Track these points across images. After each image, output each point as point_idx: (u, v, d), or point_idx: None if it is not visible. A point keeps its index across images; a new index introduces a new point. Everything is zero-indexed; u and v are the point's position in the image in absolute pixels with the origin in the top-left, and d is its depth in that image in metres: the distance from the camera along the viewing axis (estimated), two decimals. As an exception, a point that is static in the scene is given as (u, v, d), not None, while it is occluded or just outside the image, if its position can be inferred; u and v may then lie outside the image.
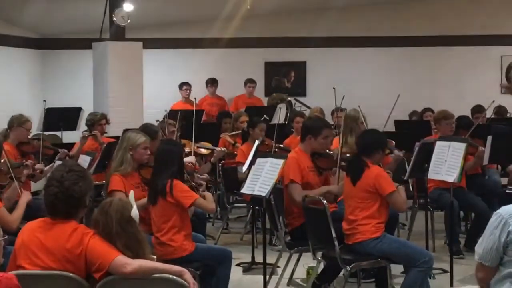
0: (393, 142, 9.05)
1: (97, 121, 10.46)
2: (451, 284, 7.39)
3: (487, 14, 16.08)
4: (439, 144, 7.74)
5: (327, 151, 7.84)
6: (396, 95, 11.29)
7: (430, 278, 7.12)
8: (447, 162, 7.48)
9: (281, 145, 10.21)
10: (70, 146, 10.22)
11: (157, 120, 10.75)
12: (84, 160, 8.48)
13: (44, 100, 11.18)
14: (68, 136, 11.99)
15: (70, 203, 4.57)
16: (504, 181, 9.71)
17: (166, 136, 9.24)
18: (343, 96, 10.45)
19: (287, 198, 7.58)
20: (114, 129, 11.10)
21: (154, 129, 8.25)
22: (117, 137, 9.45)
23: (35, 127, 10.50)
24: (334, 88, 10.96)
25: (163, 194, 6.48)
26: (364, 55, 16.57)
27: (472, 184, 9.36)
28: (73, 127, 11.77)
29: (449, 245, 8.37)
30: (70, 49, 16.09)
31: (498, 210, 4.34)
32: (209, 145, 10.51)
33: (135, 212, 4.62)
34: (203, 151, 10.39)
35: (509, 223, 4.22)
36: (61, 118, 11.57)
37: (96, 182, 7.53)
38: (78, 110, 11.85)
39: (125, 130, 7.95)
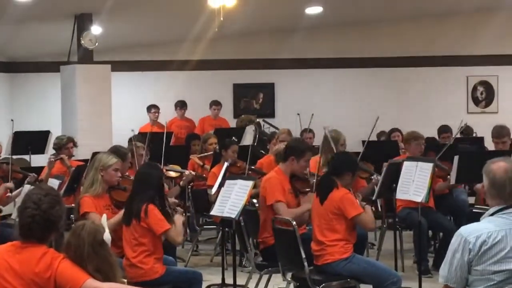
0: (373, 166, 9.12)
1: (64, 145, 10.41)
2: (420, 303, 7.44)
3: (452, 35, 16.25)
4: (406, 164, 7.81)
5: (305, 173, 7.91)
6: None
7: (399, 297, 7.16)
8: (414, 182, 7.55)
9: (253, 167, 10.23)
10: (38, 169, 10.17)
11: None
12: (53, 184, 8.44)
13: (12, 120, 11.12)
14: (37, 160, 11.92)
15: (46, 226, 4.56)
16: (472, 200, 9.78)
17: (134, 158, 9.23)
18: (312, 115, 10.49)
19: (264, 217, 7.59)
20: (82, 152, 11.05)
21: (124, 151, 8.29)
22: (85, 160, 9.44)
23: (4, 151, 10.44)
24: (298, 114, 11.05)
25: (138, 217, 6.49)
26: (332, 76, 16.69)
27: (440, 204, 9.43)
28: (41, 150, 11.71)
29: (417, 264, 8.42)
30: (38, 72, 16.05)
31: (458, 231, 4.41)
32: (178, 168, 10.51)
33: (107, 236, 4.62)
34: (172, 174, 10.40)
35: (469, 241, 4.28)
36: (29, 141, 11.51)
37: (66, 205, 7.52)
38: (46, 133, 11.80)
39: (94, 153, 7.95)
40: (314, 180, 7.80)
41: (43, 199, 4.57)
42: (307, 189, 7.80)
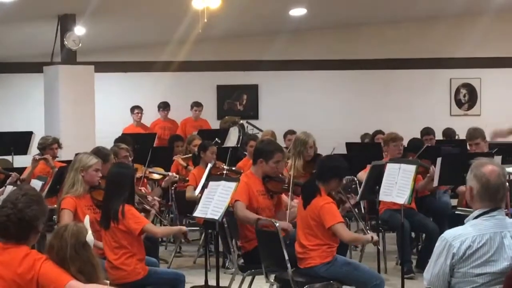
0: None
1: (49, 145, 10.38)
2: (403, 305, 7.46)
3: (436, 38, 16.31)
4: (389, 166, 7.83)
5: (280, 175, 7.87)
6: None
7: (382, 299, 7.17)
8: (397, 184, 7.57)
9: (233, 168, 10.22)
10: (21, 170, 10.12)
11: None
12: (35, 185, 8.42)
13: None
14: (19, 160, 11.88)
15: (21, 225, 4.54)
16: (454, 202, 9.81)
17: (118, 160, 9.21)
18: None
19: (241, 222, 7.59)
20: (65, 153, 11.02)
21: (106, 152, 8.27)
22: (68, 161, 9.39)
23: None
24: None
25: (116, 219, 6.48)
26: (316, 78, 16.72)
27: (422, 205, 9.47)
28: (24, 151, 11.67)
29: (401, 265, 8.44)
30: (21, 72, 16.01)
31: (442, 235, 4.43)
32: (161, 170, 10.49)
33: (90, 237, 4.61)
34: (155, 176, 10.38)
35: (453, 246, 4.29)
36: (12, 142, 11.49)
37: (48, 206, 7.50)
38: (29, 134, 11.77)
39: (77, 154, 7.93)
40: (291, 179, 7.73)
41: (20, 199, 4.56)
42: (282, 190, 7.77)
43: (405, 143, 10.17)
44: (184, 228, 6.97)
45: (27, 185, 8.02)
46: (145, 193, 8.11)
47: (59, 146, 10.61)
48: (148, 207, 7.11)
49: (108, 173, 7.01)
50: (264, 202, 7.62)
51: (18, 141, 11.65)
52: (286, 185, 7.76)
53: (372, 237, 6.94)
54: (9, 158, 12.13)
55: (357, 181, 9.30)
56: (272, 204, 7.70)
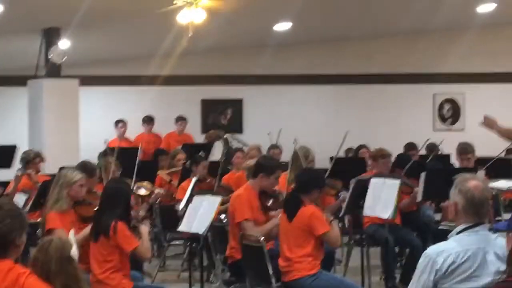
0: (341, 183, 9.13)
1: (31, 160, 10.35)
2: (387, 320, 7.46)
3: (420, 53, 16.39)
4: (373, 181, 7.85)
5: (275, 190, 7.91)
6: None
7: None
8: (381, 198, 7.59)
9: (222, 184, 10.21)
10: (4, 184, 10.10)
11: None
12: (20, 199, 8.41)
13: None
14: (3, 174, 11.82)
15: None
16: (438, 217, 9.83)
17: (105, 174, 9.19)
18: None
19: (233, 233, 7.58)
20: (50, 167, 10.99)
21: (92, 166, 8.24)
22: (53, 175, 9.35)
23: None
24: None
25: (106, 234, 6.47)
26: (300, 92, 16.76)
27: (406, 220, 9.47)
28: (7, 164, 11.59)
29: (385, 280, 8.45)
30: (5, 86, 15.96)
31: (426, 251, 4.46)
32: (149, 185, 10.44)
33: (74, 251, 4.60)
34: (142, 192, 10.32)
35: (436, 262, 4.32)
36: (-5, 156, 11.42)
37: (31, 220, 7.49)
38: (12, 147, 11.70)
39: (61, 168, 7.91)
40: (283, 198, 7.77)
41: None
42: (278, 207, 7.78)
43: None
44: (146, 228, 6.87)
45: (3, 199, 7.99)
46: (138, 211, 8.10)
47: (42, 160, 10.59)
48: (139, 221, 7.06)
49: (104, 187, 7.04)
50: (260, 217, 7.64)
51: (2, 155, 11.57)
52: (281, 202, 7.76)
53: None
54: (-8, 172, 12.07)
55: None
56: (266, 220, 7.71)
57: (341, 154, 13.61)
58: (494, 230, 4.70)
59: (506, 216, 8.50)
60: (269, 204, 7.73)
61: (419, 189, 8.65)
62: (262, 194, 7.72)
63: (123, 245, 6.46)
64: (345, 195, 8.86)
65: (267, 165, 7.83)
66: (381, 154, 9.73)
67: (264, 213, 7.72)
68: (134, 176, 9.85)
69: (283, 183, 8.42)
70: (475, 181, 4.47)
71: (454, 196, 4.47)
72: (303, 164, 8.93)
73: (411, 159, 10.31)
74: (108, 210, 6.58)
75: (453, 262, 4.30)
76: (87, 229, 6.82)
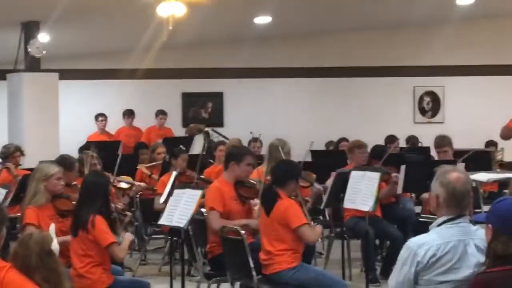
0: (314, 175, 9.14)
1: (11, 154, 10.33)
2: (367, 312, 7.50)
3: (400, 46, 16.43)
4: (354, 174, 7.86)
5: (250, 180, 7.92)
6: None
7: (347, 306, 7.21)
8: (362, 191, 7.60)
9: (202, 176, 10.21)
10: (-16, 178, 10.06)
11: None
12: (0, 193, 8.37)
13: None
14: (-18, 168, 11.78)
15: None
16: (418, 209, 9.87)
17: (86, 168, 9.16)
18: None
19: (211, 227, 7.59)
20: (29, 161, 10.95)
21: (71, 160, 8.22)
22: (32, 169, 9.34)
23: None
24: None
25: (85, 228, 6.45)
26: (280, 86, 16.76)
27: (387, 213, 9.51)
28: (-13, 159, 11.57)
29: (365, 273, 8.48)
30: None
31: (407, 243, 4.46)
32: (129, 179, 10.44)
33: (55, 245, 4.59)
34: (123, 185, 10.32)
35: (418, 254, 4.33)
36: (-26, 150, 11.36)
37: (11, 215, 7.48)
38: (-8, 142, 11.67)
39: (41, 162, 7.88)
40: (261, 186, 7.77)
41: None
42: (254, 196, 7.80)
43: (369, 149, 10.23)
44: (131, 236, 6.93)
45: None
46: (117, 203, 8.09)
47: (22, 154, 10.57)
48: (121, 218, 7.08)
49: (83, 181, 6.99)
50: (236, 208, 7.65)
51: (-19, 149, 11.53)
52: (258, 190, 7.78)
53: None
54: (-28, 166, 12.01)
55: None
56: (243, 210, 7.72)
57: (322, 147, 13.70)
58: (473, 222, 4.73)
59: (485, 208, 8.53)
60: (245, 194, 7.74)
61: (399, 182, 8.69)
62: (238, 184, 7.74)
63: (99, 240, 6.45)
64: (319, 187, 8.92)
65: (235, 152, 7.90)
66: (357, 145, 9.77)
67: (242, 203, 7.73)
68: (116, 169, 9.83)
69: (260, 175, 8.43)
70: (456, 173, 4.47)
71: (435, 188, 4.47)
72: (278, 156, 8.91)
73: (387, 150, 10.38)
74: (86, 204, 6.56)
75: (434, 255, 4.31)
76: (68, 237, 6.76)
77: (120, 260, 6.89)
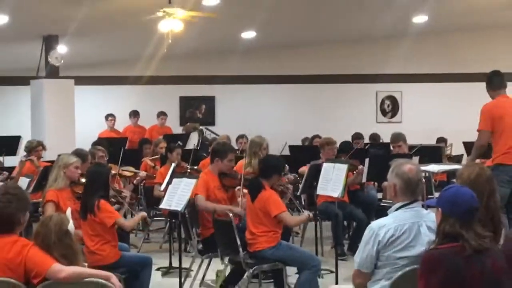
0: (287, 166, 9.15)
1: (34, 148, 10.28)
2: (336, 282, 7.49)
3: (365, 56, 16.46)
4: (325, 166, 7.86)
5: (233, 171, 7.93)
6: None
7: (319, 277, 7.22)
8: (332, 180, 7.61)
9: (195, 167, 10.19)
10: (10, 169, 10.03)
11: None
12: (23, 182, 8.36)
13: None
14: (9, 161, 11.73)
15: (5, 220, 4.52)
16: (380, 195, 9.90)
17: (95, 161, 9.15)
18: (246, 134, 10.39)
19: (201, 213, 7.60)
20: (49, 154, 10.91)
21: (84, 153, 8.28)
22: (52, 161, 9.31)
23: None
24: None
25: (92, 212, 6.44)
26: (264, 90, 16.80)
27: (353, 198, 9.53)
28: (13, 152, 11.53)
29: (335, 249, 8.49)
30: (11, 85, 15.86)
31: (369, 225, 4.48)
32: (132, 169, 10.43)
33: (71, 226, 4.60)
34: (127, 173, 10.31)
35: (379, 234, 4.35)
36: (2, 145, 11.34)
37: (34, 200, 7.51)
38: (17, 138, 11.62)
39: (60, 155, 7.88)
40: (242, 176, 7.77)
41: (0, 198, 4.54)
42: (235, 185, 7.80)
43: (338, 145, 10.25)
44: (144, 213, 6.99)
45: (10, 183, 7.95)
46: (119, 189, 8.08)
47: (44, 148, 10.52)
48: (121, 200, 7.11)
49: (87, 172, 6.97)
50: (220, 195, 7.66)
51: (8, 144, 11.50)
52: (239, 180, 7.79)
53: (308, 215, 7.06)
54: (0, 159, 11.97)
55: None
56: (227, 197, 7.76)
57: (298, 142, 13.71)
58: (426, 206, 4.74)
59: (437, 194, 8.56)
60: (228, 183, 7.78)
61: (364, 172, 8.74)
62: (221, 175, 7.76)
63: (105, 220, 6.43)
64: (291, 176, 8.97)
65: (220, 150, 7.87)
66: (326, 142, 9.76)
67: (225, 191, 7.76)
68: (120, 161, 9.81)
69: (241, 167, 8.43)
70: (409, 165, 4.49)
71: (392, 178, 4.49)
72: (257, 151, 8.87)
73: (352, 146, 10.41)
74: (91, 191, 6.55)
75: (392, 235, 4.33)
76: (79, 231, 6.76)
77: (128, 229, 6.91)
